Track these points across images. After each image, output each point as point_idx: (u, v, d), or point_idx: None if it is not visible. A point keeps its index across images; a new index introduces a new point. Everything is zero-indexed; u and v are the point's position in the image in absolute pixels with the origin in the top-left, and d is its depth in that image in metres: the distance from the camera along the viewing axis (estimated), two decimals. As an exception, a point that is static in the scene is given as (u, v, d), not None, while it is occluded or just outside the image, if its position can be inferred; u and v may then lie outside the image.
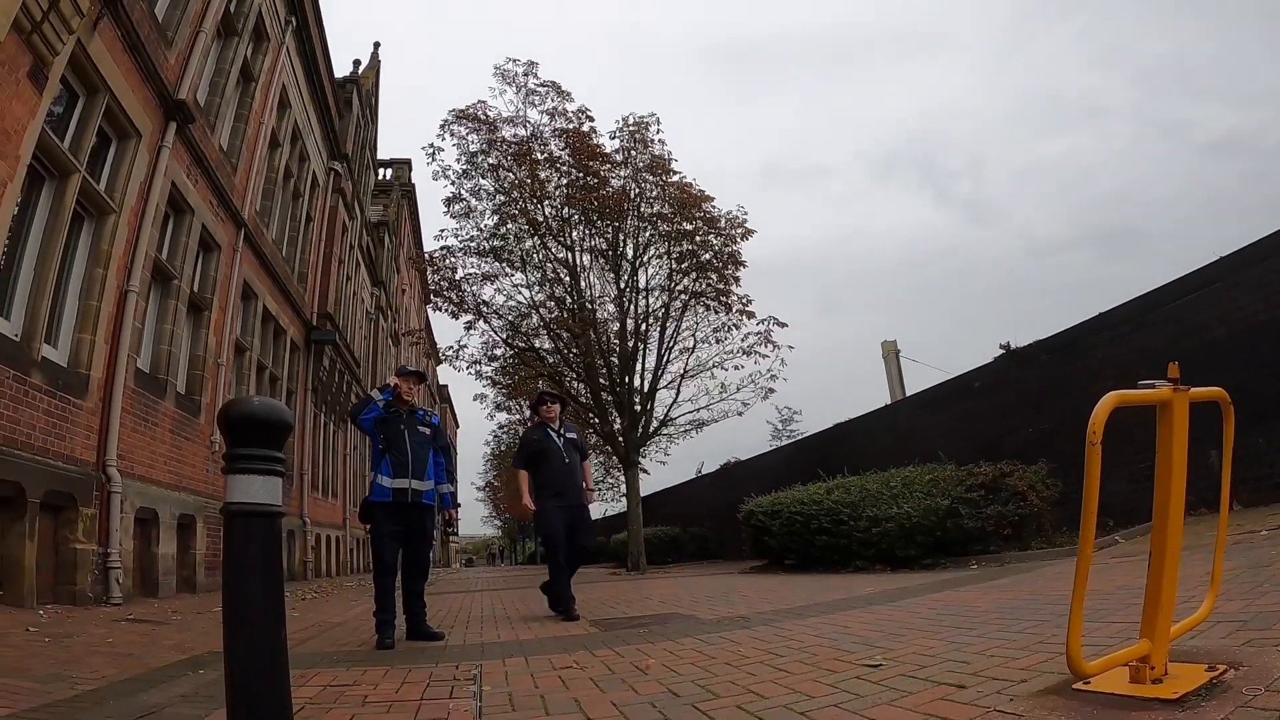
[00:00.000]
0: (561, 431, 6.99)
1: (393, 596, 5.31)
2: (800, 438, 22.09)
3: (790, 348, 17.65)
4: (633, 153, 17.69)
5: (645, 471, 19.19)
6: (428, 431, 5.70)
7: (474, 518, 66.83)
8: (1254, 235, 8.26)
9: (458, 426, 62.61)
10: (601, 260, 17.91)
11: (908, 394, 18.10)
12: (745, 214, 17.85)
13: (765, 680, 3.10)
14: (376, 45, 26.48)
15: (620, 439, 17.90)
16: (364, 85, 24.11)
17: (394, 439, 5.48)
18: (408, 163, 34.89)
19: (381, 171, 31.58)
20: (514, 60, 17.46)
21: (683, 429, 18.61)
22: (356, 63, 24.83)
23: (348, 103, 21.65)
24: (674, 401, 18.21)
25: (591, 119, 17.66)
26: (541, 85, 17.48)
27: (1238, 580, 4.25)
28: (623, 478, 19.77)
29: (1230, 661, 2.43)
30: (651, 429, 18.13)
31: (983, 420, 11.76)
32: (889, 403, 17.35)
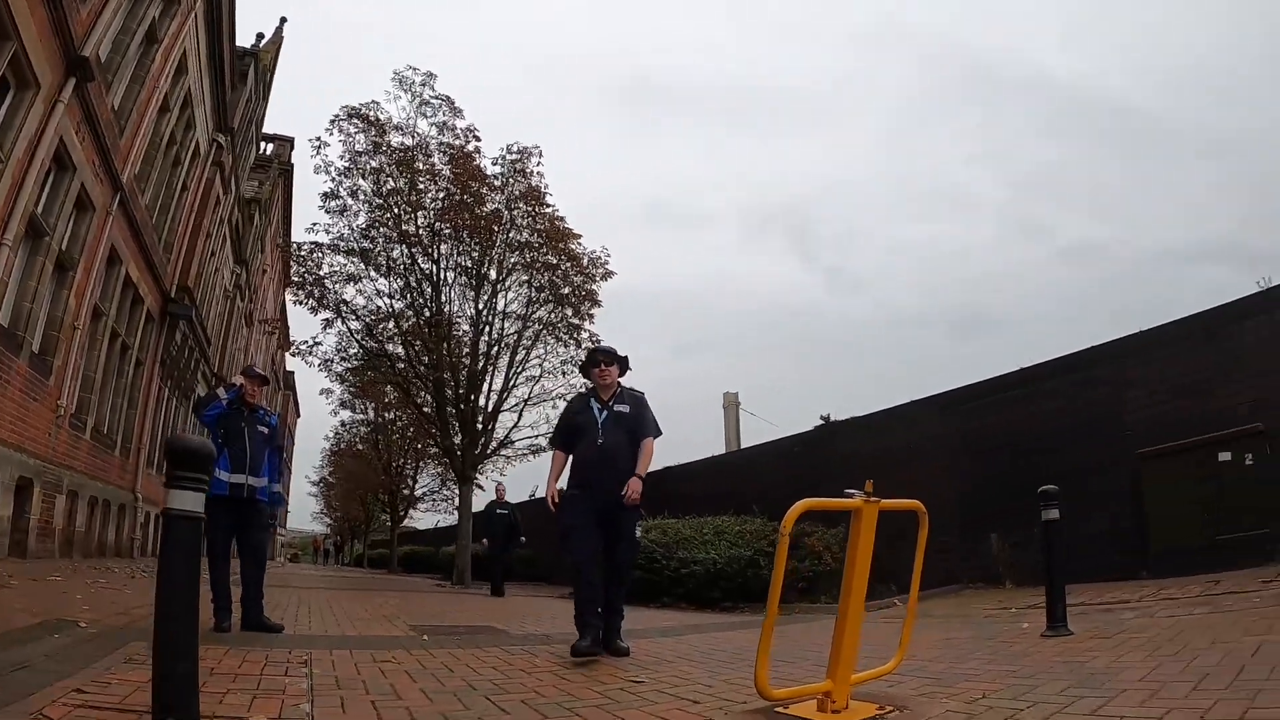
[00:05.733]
0: (611, 403, 5.46)
1: (227, 585, 5.69)
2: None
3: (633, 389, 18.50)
4: (511, 180, 18.28)
5: (480, 488, 19.79)
6: (266, 431, 6.07)
7: (303, 512, 64.25)
8: (1101, 334, 10.05)
9: (299, 416, 60.68)
10: (465, 278, 18.38)
11: (742, 446, 19.26)
12: (608, 255, 18.69)
13: (549, 685, 3.88)
14: (283, 21, 25.86)
15: (459, 454, 18.37)
16: (263, 60, 23.80)
17: (234, 435, 5.81)
18: (291, 141, 34.14)
19: (263, 145, 30.94)
20: (414, 69, 17.95)
21: (521, 452, 19.24)
22: (260, 36, 24.36)
23: (243, 75, 21.36)
24: (515, 425, 18.90)
25: (478, 139, 18.27)
26: (436, 98, 17.98)
27: (960, 647, 5.25)
28: (457, 491, 20.27)
29: (900, 705, 3.29)
30: (490, 448, 18.76)
31: (801, 481, 12.51)
32: (722, 452, 18.42)
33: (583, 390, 6.19)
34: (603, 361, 5.59)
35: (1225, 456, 8.08)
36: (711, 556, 10.59)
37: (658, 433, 5.63)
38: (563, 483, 5.54)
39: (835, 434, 12.87)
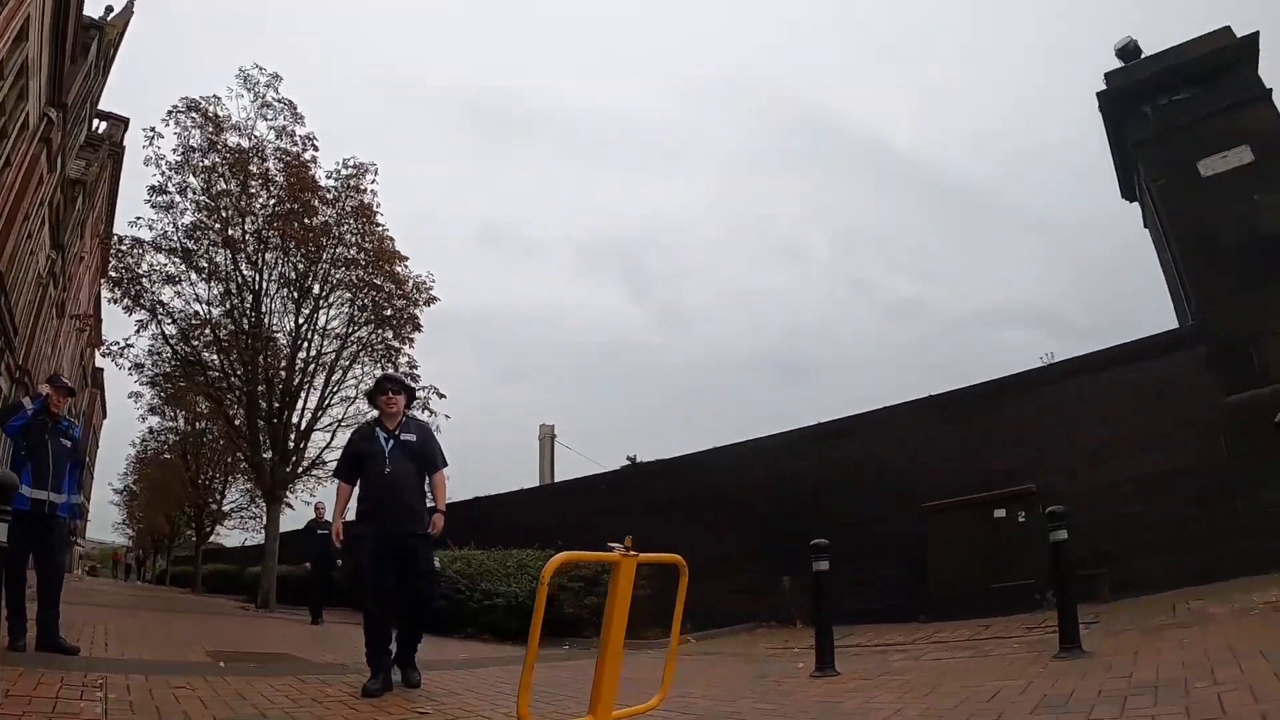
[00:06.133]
0: (397, 432, 5.37)
1: (23, 603, 5.57)
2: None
3: (447, 416, 18.17)
4: (343, 195, 17.99)
5: (290, 507, 19.37)
6: (69, 445, 6.01)
7: (105, 522, 59.12)
8: (917, 387, 11.06)
9: (105, 417, 56.30)
10: (288, 290, 17.87)
11: (556, 479, 19.51)
12: (433, 280, 18.64)
13: (337, 714, 4.20)
14: (137, -5, 24.55)
15: (269, 471, 17.88)
16: (109, 34, 22.43)
17: (37, 448, 5.72)
18: (125, 122, 32.03)
19: (96, 123, 29.01)
20: (261, 68, 17.41)
21: (332, 474, 18.79)
22: (109, 9, 22.91)
23: (85, 48, 20.10)
24: (327, 445, 18.45)
25: (316, 148, 17.88)
26: (280, 100, 17.51)
27: (734, 685, 5.79)
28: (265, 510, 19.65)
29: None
30: (301, 468, 18.31)
31: (610, 518, 12.97)
32: (535, 485, 18.57)
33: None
34: (391, 389, 5.53)
35: (1000, 513, 9.20)
36: (514, 589, 10.78)
37: (445, 463, 5.65)
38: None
39: (642, 474, 13.45)
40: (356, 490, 5.43)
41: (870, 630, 8.51)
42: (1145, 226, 12.77)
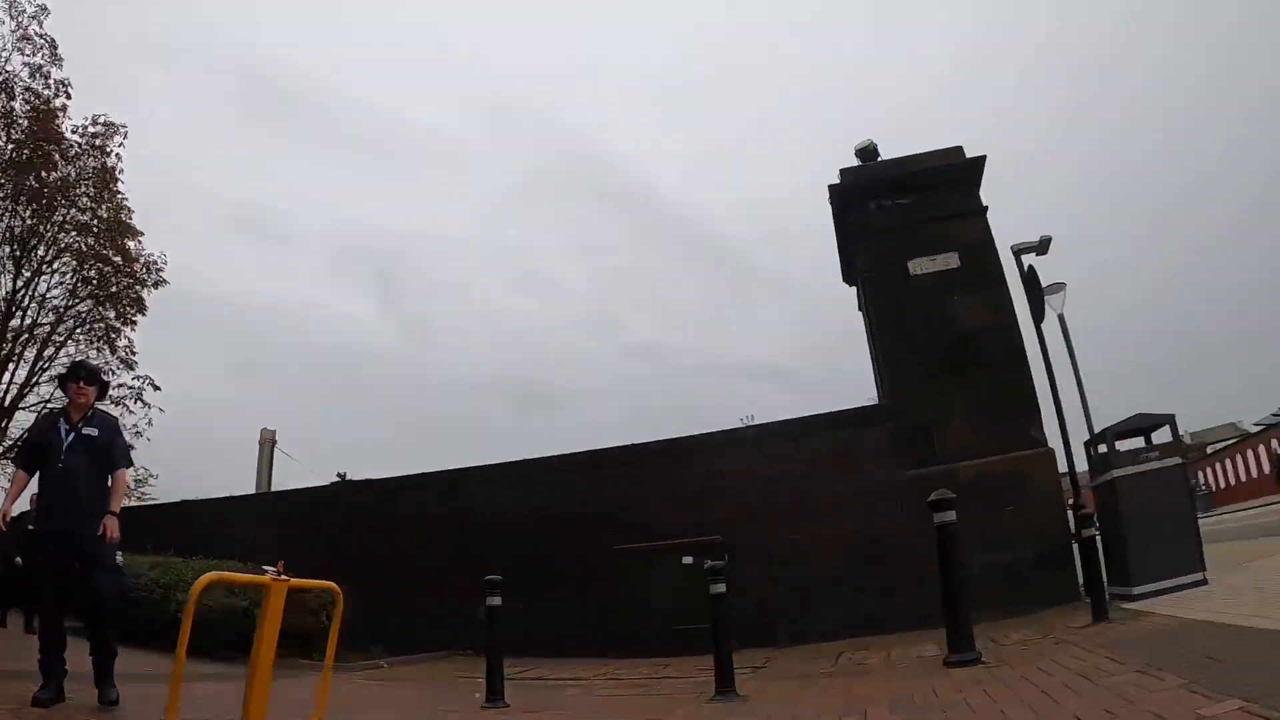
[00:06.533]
0: (79, 424, 5.12)
1: None
2: (151, 503, 19.58)
3: (161, 410, 17.59)
4: (87, 153, 16.82)
5: None
6: None
7: None
8: (644, 427, 11.33)
9: None
10: (9, 247, 16.34)
11: (273, 488, 18.63)
12: (165, 261, 17.78)
13: None
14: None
15: None
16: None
17: None
18: None
19: None
20: None
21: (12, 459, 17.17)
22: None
23: None
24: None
25: (69, 96, 16.59)
26: (42, 35, 16.13)
27: (405, 712, 6.01)
28: None
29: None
30: (2, 449, 16.74)
31: (317, 535, 12.58)
32: (250, 492, 17.62)
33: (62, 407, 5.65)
34: (83, 378, 5.31)
35: (688, 560, 9.78)
36: (208, 604, 10.16)
37: (128, 463, 5.45)
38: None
39: (352, 492, 13.31)
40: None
41: (559, 664, 8.77)
42: (859, 310, 13.96)
